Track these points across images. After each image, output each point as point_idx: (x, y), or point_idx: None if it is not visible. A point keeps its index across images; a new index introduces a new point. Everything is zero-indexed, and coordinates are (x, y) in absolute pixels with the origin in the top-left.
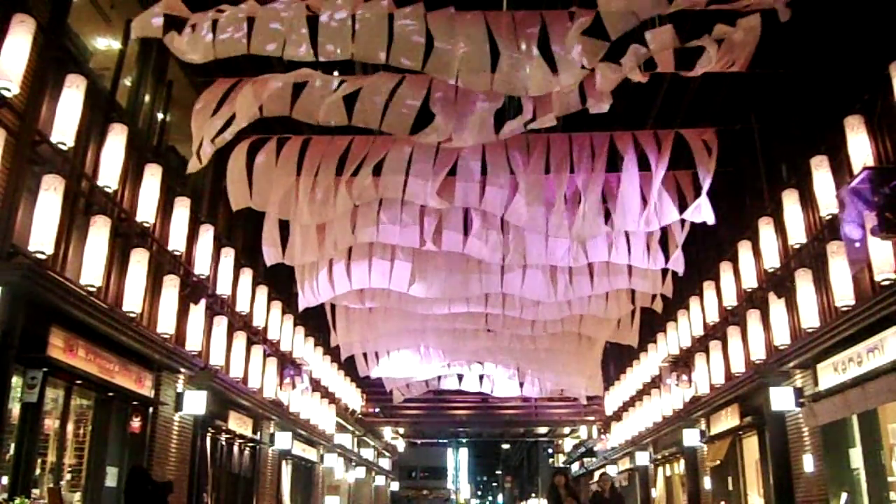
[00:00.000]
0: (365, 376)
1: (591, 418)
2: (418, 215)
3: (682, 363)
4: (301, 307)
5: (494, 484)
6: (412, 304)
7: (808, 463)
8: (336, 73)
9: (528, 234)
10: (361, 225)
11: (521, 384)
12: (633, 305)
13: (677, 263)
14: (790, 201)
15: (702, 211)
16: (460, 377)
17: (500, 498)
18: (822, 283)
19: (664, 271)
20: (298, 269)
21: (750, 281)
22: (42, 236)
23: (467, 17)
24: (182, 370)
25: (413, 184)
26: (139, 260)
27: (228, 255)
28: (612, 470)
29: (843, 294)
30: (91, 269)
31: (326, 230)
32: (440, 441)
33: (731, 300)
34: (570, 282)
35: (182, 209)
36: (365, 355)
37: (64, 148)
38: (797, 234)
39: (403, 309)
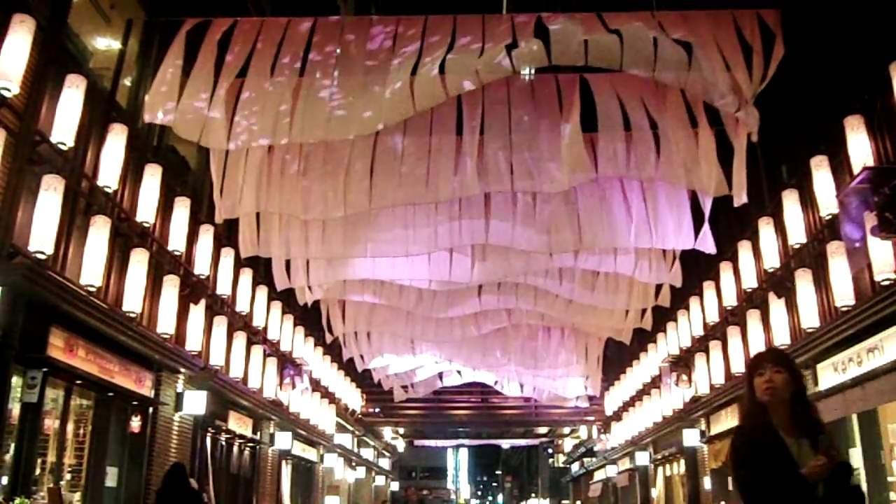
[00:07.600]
0: (364, 370)
1: (591, 418)
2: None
3: (682, 363)
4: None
5: (494, 484)
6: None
7: None
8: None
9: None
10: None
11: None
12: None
13: (675, 277)
14: (790, 201)
15: (706, 239)
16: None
17: (500, 498)
18: (822, 283)
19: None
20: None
21: (750, 281)
22: (42, 236)
23: None
24: (182, 370)
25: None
26: (139, 260)
27: (228, 255)
28: (612, 470)
29: (843, 294)
30: (91, 269)
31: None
32: (437, 444)
33: (731, 300)
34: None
35: (182, 209)
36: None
37: (64, 148)
38: (797, 234)
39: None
